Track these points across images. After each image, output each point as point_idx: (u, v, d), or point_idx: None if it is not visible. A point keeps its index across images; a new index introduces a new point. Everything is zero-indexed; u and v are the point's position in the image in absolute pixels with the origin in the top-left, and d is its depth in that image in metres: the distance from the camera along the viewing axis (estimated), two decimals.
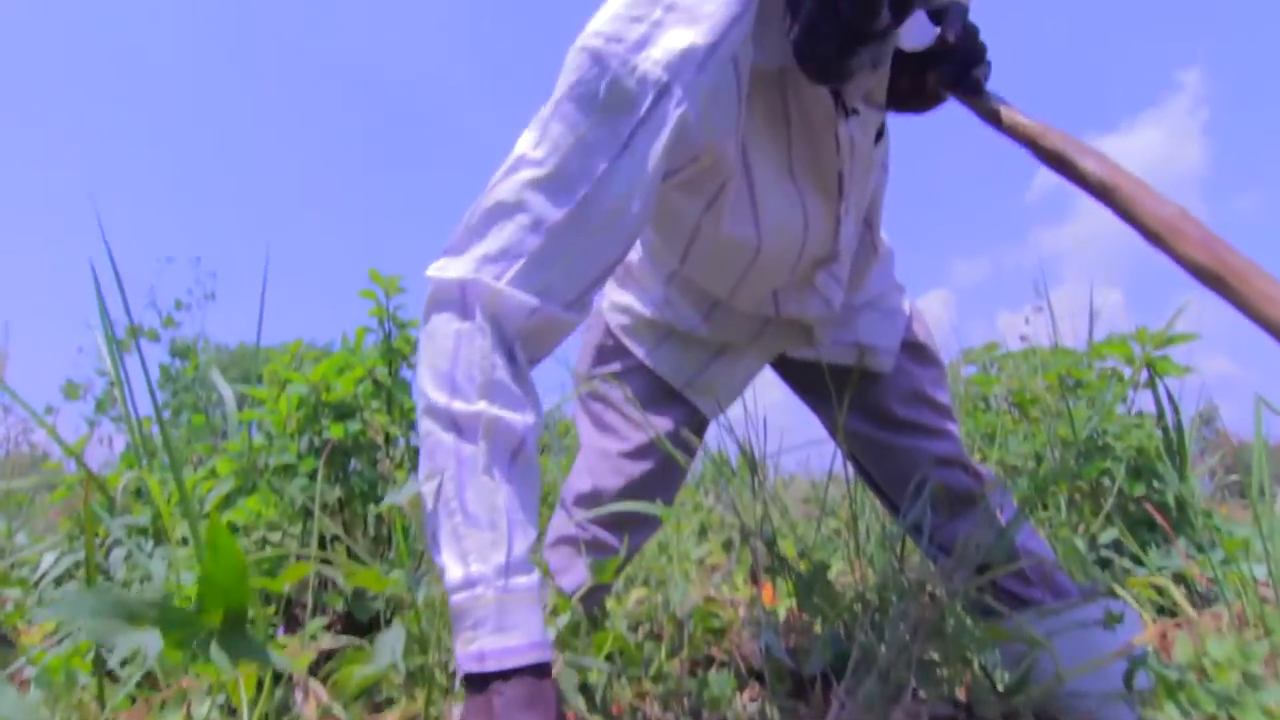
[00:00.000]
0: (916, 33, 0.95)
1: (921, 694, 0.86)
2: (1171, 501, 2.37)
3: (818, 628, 1.20)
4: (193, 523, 1.07)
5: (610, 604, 1.47)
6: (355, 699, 0.82)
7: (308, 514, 1.65)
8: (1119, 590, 0.86)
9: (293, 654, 0.82)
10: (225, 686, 0.78)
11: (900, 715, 0.72)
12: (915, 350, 1.27)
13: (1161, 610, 1.95)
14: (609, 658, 1.06)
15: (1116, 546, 2.13)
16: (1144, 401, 2.55)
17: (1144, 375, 2.61)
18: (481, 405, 0.70)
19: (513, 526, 0.69)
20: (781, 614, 1.53)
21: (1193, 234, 0.67)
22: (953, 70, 0.89)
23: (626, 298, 1.27)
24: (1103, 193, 0.75)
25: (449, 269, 0.74)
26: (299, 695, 0.80)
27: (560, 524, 1.29)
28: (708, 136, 0.80)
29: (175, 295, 2.51)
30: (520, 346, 0.75)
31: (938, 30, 0.90)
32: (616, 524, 1.20)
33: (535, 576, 0.70)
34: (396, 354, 1.68)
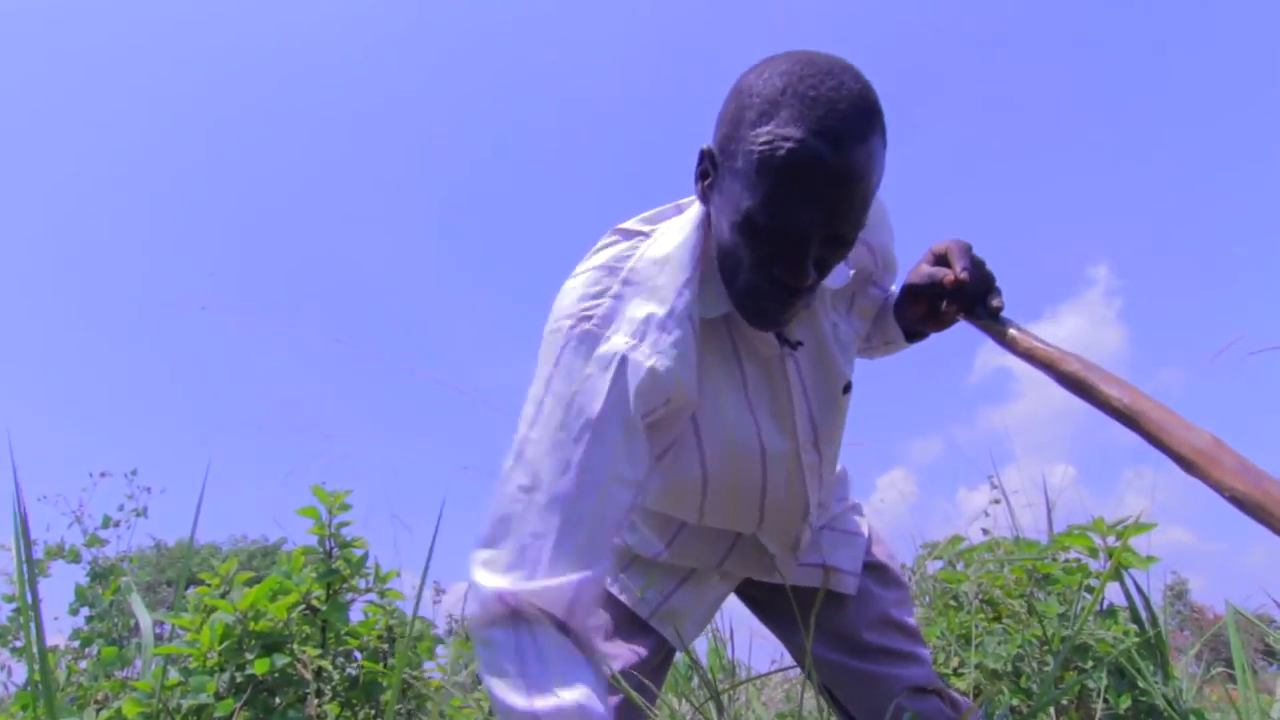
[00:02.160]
0: (836, 274, 1.02)
1: None
2: (1160, 703, 2.26)
3: None
4: None
5: None
6: None
7: None
8: None
9: None
10: None
11: None
12: (878, 572, 1.25)
13: None
14: None
15: None
16: (1113, 591, 2.50)
17: (1107, 564, 2.58)
18: (563, 696, 0.76)
19: None
20: None
21: (1228, 463, 0.67)
22: (968, 300, 0.96)
23: None
24: (1128, 419, 0.75)
25: (489, 578, 0.81)
26: None
27: None
28: (675, 383, 0.88)
29: (105, 511, 2.38)
30: (574, 621, 0.81)
31: (945, 270, 0.96)
32: None
33: None
34: (336, 576, 1.57)
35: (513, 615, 0.80)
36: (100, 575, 2.14)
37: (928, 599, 2.57)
